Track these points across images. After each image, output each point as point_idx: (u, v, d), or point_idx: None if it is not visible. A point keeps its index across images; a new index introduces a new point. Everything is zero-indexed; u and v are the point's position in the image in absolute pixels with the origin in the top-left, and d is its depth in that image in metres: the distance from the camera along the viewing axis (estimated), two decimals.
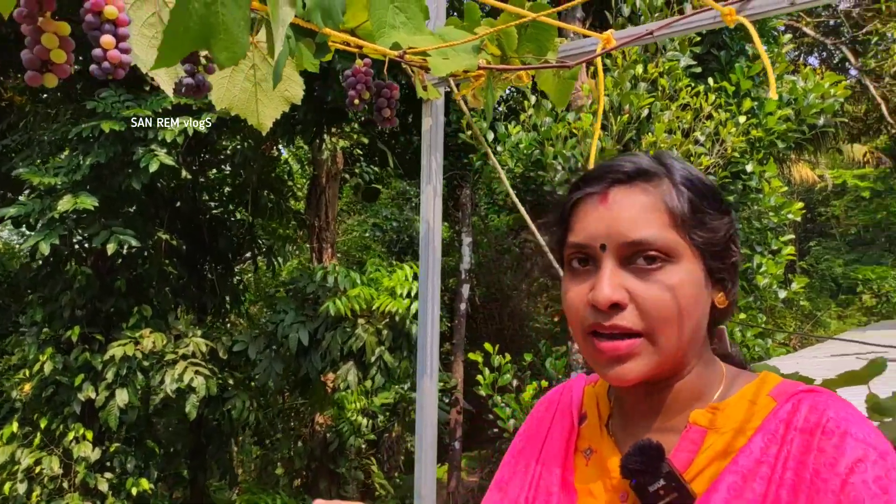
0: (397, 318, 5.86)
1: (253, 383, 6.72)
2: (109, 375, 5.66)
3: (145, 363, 5.81)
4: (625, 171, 0.73)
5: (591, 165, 1.04)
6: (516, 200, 1.66)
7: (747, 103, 6.60)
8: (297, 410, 8.26)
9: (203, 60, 1.03)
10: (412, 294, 5.83)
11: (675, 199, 0.71)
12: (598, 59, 1.22)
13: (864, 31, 10.28)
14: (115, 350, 5.69)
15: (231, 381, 6.55)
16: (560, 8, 1.27)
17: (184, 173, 5.86)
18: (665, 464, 0.69)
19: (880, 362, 1.33)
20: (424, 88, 1.53)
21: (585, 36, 1.33)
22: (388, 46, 1.19)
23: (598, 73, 1.24)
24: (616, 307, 0.69)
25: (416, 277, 6.07)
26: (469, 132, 6.02)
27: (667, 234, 0.69)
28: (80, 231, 5.77)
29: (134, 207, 6.30)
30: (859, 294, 13.20)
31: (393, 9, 1.21)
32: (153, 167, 5.17)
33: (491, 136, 6.42)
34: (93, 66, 0.80)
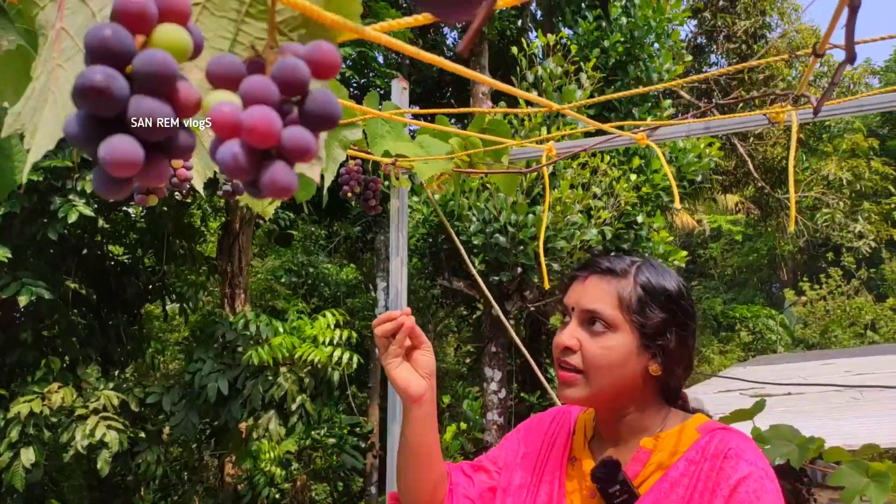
0: (319, 366, 5.98)
1: (166, 436, 6.57)
2: (14, 434, 5.40)
3: (53, 419, 5.59)
4: (601, 267, 1.10)
5: (540, 242, 1.38)
6: (474, 272, 1.96)
7: (636, 161, 7.29)
8: (206, 461, 8.06)
9: None
10: (334, 342, 5.99)
11: (627, 292, 1.07)
12: (544, 166, 1.57)
13: (731, 97, 11.59)
14: (21, 407, 5.46)
15: (143, 434, 6.38)
16: (467, 72, 1.61)
17: (101, 222, 5.78)
18: (621, 474, 1.03)
19: (762, 403, 1.73)
20: (397, 178, 1.84)
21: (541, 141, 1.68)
22: (380, 154, 1.49)
23: (544, 176, 1.57)
24: (569, 350, 1.05)
25: (337, 325, 6.23)
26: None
27: (612, 312, 1.05)
28: None
29: (42, 257, 6.12)
30: (737, 331, 14.50)
31: (381, 121, 1.52)
32: (72, 217, 5.12)
33: (409, 185, 6.76)
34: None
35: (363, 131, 1.51)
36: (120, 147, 0.32)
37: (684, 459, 1.01)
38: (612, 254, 1.18)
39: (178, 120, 0.34)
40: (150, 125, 0.32)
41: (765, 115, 1.22)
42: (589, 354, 1.03)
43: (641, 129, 1.45)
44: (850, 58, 0.58)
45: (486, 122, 1.58)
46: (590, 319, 1.05)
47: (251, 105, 0.32)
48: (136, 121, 0.33)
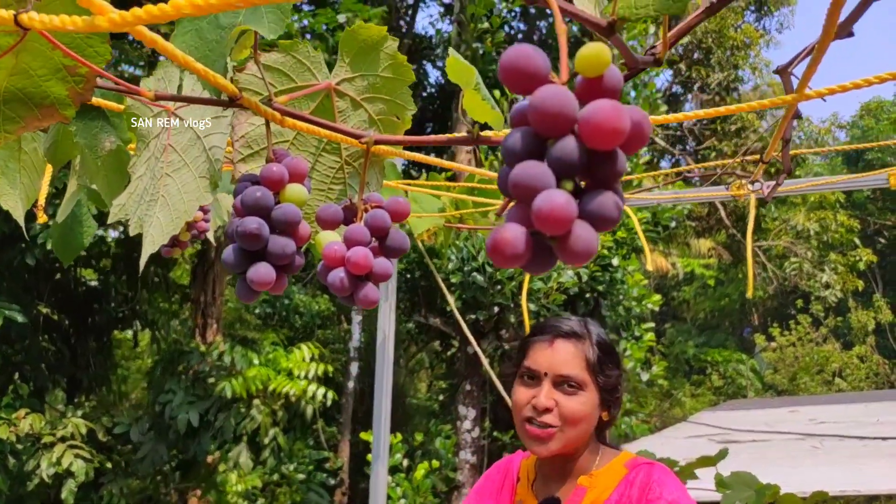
0: (293, 399, 5.97)
1: (128, 467, 6.46)
2: None
3: (19, 446, 5.49)
4: (564, 330, 1.22)
5: (524, 291, 1.48)
6: (454, 310, 2.05)
7: None
8: (171, 494, 7.90)
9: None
10: (309, 375, 5.99)
11: (591, 354, 1.20)
12: None
13: (703, 146, 11.98)
14: None
15: (109, 465, 6.27)
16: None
17: None
18: None
19: (724, 452, 1.84)
20: None
21: None
22: None
23: None
24: (547, 411, 1.17)
25: (313, 359, 6.24)
26: None
27: (582, 374, 1.20)
28: None
29: (17, 281, 6.07)
30: (709, 375, 14.69)
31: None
32: (51, 244, 5.11)
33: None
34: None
35: None
36: (262, 271, 0.47)
37: (616, 493, 1.16)
38: (562, 315, 1.30)
39: (296, 248, 0.48)
40: (282, 254, 0.46)
41: (726, 186, 1.34)
42: (568, 412, 1.15)
43: None
44: (788, 171, 0.70)
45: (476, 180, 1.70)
46: (562, 381, 1.18)
47: (352, 245, 0.46)
48: (273, 252, 0.49)
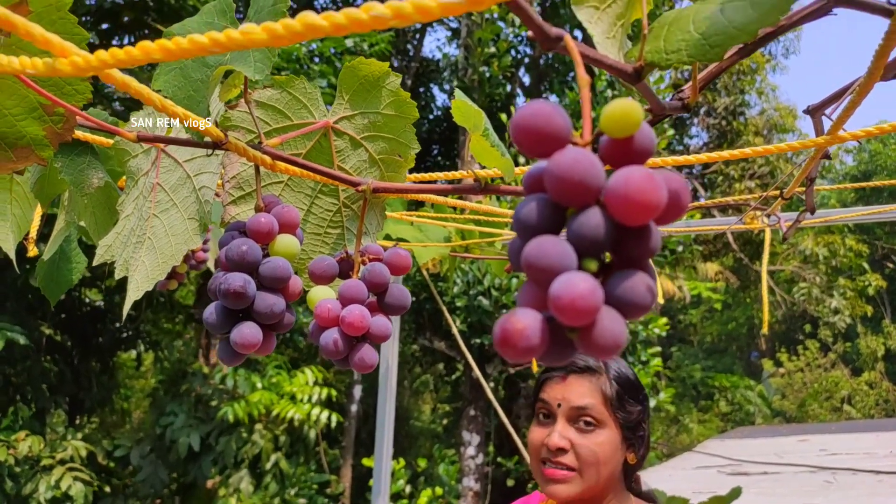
0: (296, 424, 5.89)
1: (128, 488, 6.37)
2: None
3: (17, 469, 5.42)
4: (579, 366, 1.13)
5: None
6: (456, 334, 2.00)
7: None
8: None
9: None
10: (313, 399, 5.92)
11: (608, 388, 1.11)
12: None
13: (710, 170, 11.95)
14: None
15: (108, 488, 6.19)
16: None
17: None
18: None
19: (737, 490, 1.76)
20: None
21: None
22: (382, 237, 1.55)
23: None
24: (561, 451, 1.08)
25: (316, 383, 6.17)
26: None
27: (599, 409, 1.09)
28: None
29: (20, 302, 6.04)
30: (716, 401, 14.52)
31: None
32: (38, 281, 5.07)
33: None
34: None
35: None
36: (247, 332, 0.42)
37: None
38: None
39: (286, 306, 0.43)
40: (269, 314, 0.41)
41: (740, 219, 1.30)
42: (584, 453, 1.06)
43: None
44: (811, 209, 0.65)
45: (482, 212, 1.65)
46: (577, 417, 1.08)
47: (348, 303, 0.41)
48: (260, 311, 0.44)
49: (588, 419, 1.08)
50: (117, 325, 7.83)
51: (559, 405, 1.10)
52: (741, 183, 11.78)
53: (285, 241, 0.47)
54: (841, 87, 0.52)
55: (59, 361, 6.84)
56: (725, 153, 0.62)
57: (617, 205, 0.24)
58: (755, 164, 12.14)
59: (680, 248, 9.06)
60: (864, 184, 1.27)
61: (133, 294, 0.63)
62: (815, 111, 0.57)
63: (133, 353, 8.50)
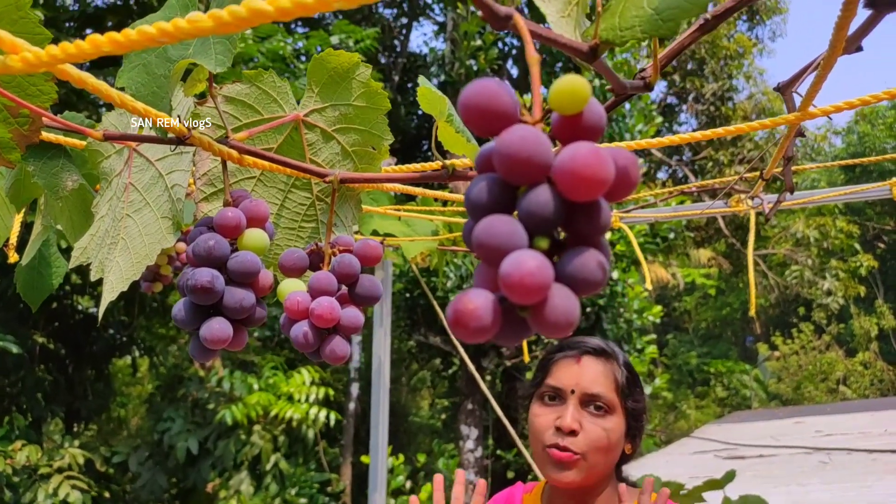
0: (294, 424, 5.89)
1: (128, 494, 6.36)
2: None
3: (15, 479, 5.40)
4: (593, 346, 1.12)
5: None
6: (449, 330, 2.00)
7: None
8: None
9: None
10: (310, 399, 5.92)
11: (620, 375, 1.10)
12: None
13: (700, 156, 11.98)
14: None
15: (107, 494, 6.17)
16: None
17: (74, 278, 5.73)
18: None
19: (732, 473, 1.77)
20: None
21: None
22: (369, 233, 1.55)
23: None
24: (572, 433, 1.05)
25: (313, 383, 6.17)
26: None
27: (612, 395, 1.08)
28: None
29: (11, 311, 6.01)
30: (713, 387, 14.59)
31: (369, 199, 1.58)
32: (18, 287, 5.04)
33: (395, 258, 6.83)
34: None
35: None
36: (217, 328, 0.41)
37: None
38: (588, 336, 1.19)
39: (256, 300, 0.43)
40: (239, 308, 0.41)
41: (726, 202, 1.30)
42: (593, 437, 1.04)
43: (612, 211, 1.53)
44: (790, 189, 0.65)
45: None
46: (589, 401, 1.06)
47: (317, 295, 0.41)
48: (229, 306, 0.44)
49: (600, 404, 1.06)
50: (111, 332, 7.80)
51: (572, 391, 1.07)
52: (731, 168, 11.81)
53: (254, 236, 0.46)
54: (808, 63, 0.52)
55: (54, 370, 6.81)
56: (698, 134, 0.62)
57: (565, 181, 0.24)
58: (744, 149, 12.17)
59: (672, 236, 9.09)
60: (848, 161, 1.27)
61: (108, 295, 0.63)
62: (785, 88, 0.57)
63: (128, 360, 8.46)
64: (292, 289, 0.45)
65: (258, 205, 0.48)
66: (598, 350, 1.11)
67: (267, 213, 0.48)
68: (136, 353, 8.12)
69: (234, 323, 0.44)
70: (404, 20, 11.25)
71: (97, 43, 0.31)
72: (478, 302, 0.24)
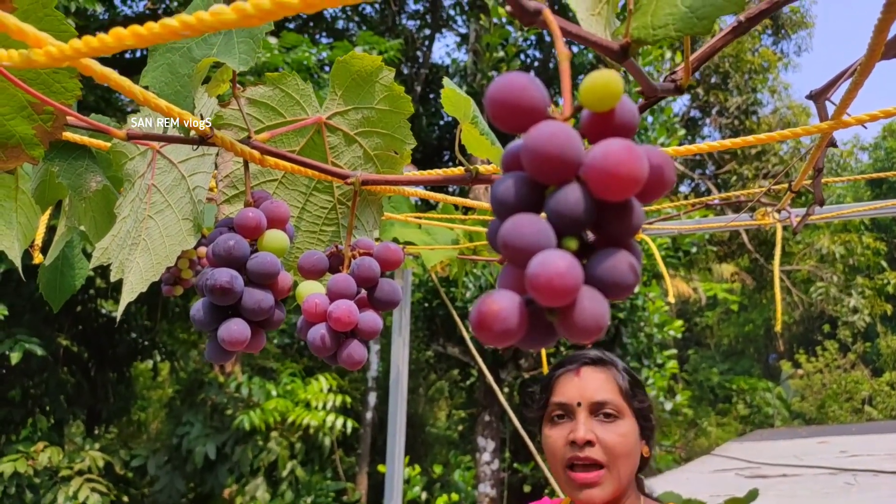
0: (311, 431, 5.89)
1: (146, 498, 6.40)
2: None
3: (36, 480, 5.46)
4: (590, 357, 1.12)
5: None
6: (468, 340, 1.99)
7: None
8: None
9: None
10: (327, 406, 5.92)
11: (622, 379, 1.09)
12: None
13: (724, 170, 11.85)
14: (5, 466, 5.34)
15: (126, 498, 6.22)
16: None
17: (98, 281, 5.81)
18: None
19: (755, 492, 1.73)
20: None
21: None
22: (389, 240, 1.55)
23: None
24: (588, 444, 1.04)
25: (331, 390, 6.17)
26: None
27: (618, 400, 1.07)
28: None
29: (37, 314, 6.10)
30: (734, 403, 14.35)
31: (390, 207, 1.58)
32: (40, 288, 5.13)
33: (414, 266, 6.84)
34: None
35: None
36: (235, 329, 0.41)
37: None
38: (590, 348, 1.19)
39: (275, 302, 0.42)
40: (257, 309, 0.40)
41: (751, 215, 1.28)
42: (610, 444, 1.02)
43: None
44: (820, 201, 0.64)
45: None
46: (597, 410, 1.06)
47: (336, 298, 0.40)
48: (248, 307, 0.43)
49: (608, 411, 1.06)
50: (133, 335, 7.89)
51: (578, 404, 1.06)
52: (755, 182, 11.67)
53: (274, 236, 0.46)
54: (843, 70, 0.51)
55: (77, 372, 6.90)
56: (727, 142, 0.61)
57: (596, 179, 0.23)
58: (769, 164, 12.03)
59: (694, 250, 8.99)
60: (874, 174, 1.24)
61: (127, 295, 0.63)
62: (818, 96, 0.56)
63: (149, 364, 8.55)
64: (310, 291, 0.44)
65: (279, 206, 0.47)
66: (596, 359, 1.11)
67: (287, 214, 0.48)
68: (158, 357, 8.19)
69: (253, 324, 0.44)
70: (427, 31, 11.32)
71: (120, 36, 0.30)
72: (503, 303, 0.23)
